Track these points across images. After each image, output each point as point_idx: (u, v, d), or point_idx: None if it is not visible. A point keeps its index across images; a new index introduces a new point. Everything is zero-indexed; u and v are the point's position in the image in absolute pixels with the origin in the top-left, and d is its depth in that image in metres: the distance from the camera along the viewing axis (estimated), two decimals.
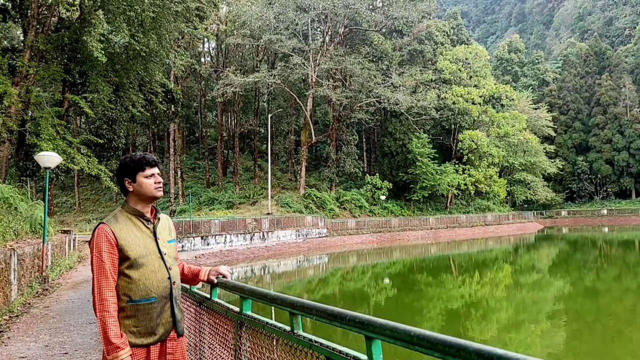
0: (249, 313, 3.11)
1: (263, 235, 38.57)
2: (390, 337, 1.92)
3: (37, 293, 13.09)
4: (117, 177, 2.94)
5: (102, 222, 2.77)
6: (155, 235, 2.88)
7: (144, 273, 2.75)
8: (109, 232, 2.72)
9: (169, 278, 2.86)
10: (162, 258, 2.86)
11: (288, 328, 2.65)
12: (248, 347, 3.07)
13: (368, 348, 2.07)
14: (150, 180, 2.87)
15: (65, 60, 25.89)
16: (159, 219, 2.95)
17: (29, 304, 11.56)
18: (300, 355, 2.50)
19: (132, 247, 2.74)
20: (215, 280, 3.26)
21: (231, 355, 3.25)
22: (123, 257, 2.72)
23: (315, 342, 2.39)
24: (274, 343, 2.81)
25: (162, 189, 2.93)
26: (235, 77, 49.10)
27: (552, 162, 73.30)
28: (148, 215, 2.90)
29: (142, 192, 2.86)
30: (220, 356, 3.44)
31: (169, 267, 2.87)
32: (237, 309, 3.22)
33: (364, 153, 67.22)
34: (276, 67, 52.91)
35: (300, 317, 2.61)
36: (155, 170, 2.91)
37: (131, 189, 2.87)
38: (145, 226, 2.86)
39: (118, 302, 2.70)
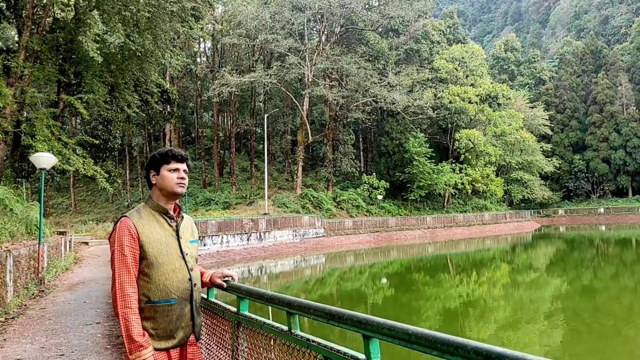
0: (247, 313, 3.09)
1: (260, 235, 38.54)
2: (388, 335, 1.91)
3: (33, 294, 13.04)
4: (145, 171, 2.90)
5: (125, 216, 2.71)
6: (177, 234, 2.82)
7: (164, 272, 2.68)
8: (131, 226, 2.65)
9: (190, 279, 2.80)
10: (184, 258, 2.79)
11: (285, 328, 2.64)
12: (245, 347, 3.05)
13: (366, 347, 2.06)
14: (173, 174, 2.81)
15: (60, 61, 25.78)
16: (182, 217, 2.89)
17: (25, 305, 11.51)
18: (298, 355, 2.48)
19: (153, 244, 2.67)
20: (225, 285, 3.16)
21: (228, 356, 3.23)
22: (143, 255, 2.65)
23: (313, 341, 2.38)
24: (272, 343, 2.79)
25: (184, 185, 2.85)
26: (231, 77, 49.04)
27: (548, 161, 73.41)
28: (172, 212, 2.85)
29: (163, 186, 2.80)
30: (218, 356, 3.41)
31: (190, 268, 2.81)
32: (234, 309, 3.20)
33: (361, 153, 67.19)
34: (272, 67, 52.87)
35: (297, 317, 2.59)
36: (182, 166, 2.85)
37: (154, 182, 2.83)
38: (168, 224, 2.80)
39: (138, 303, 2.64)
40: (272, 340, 2.78)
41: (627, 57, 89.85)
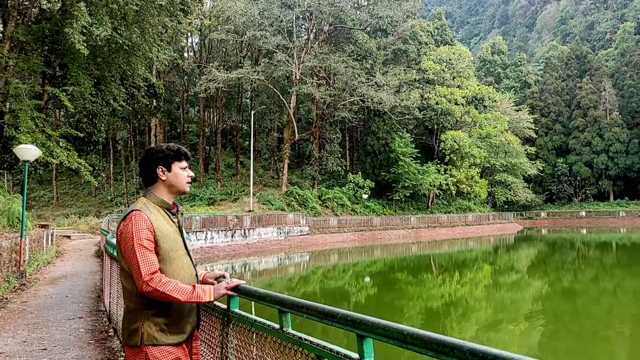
0: (237, 310, 3.07)
1: (244, 232, 38.42)
2: (383, 335, 1.91)
3: (14, 288, 12.89)
4: (147, 164, 2.81)
5: (138, 210, 2.64)
6: (180, 231, 2.83)
7: (175, 268, 2.68)
8: (147, 220, 2.61)
9: (196, 275, 2.84)
10: (189, 254, 2.83)
11: (277, 326, 2.63)
12: (235, 345, 3.04)
13: (359, 346, 2.06)
14: (184, 173, 2.83)
15: (46, 52, 25.45)
16: (182, 214, 2.89)
17: (6, 299, 11.38)
18: (290, 353, 2.48)
19: (166, 240, 2.66)
20: (216, 283, 3.15)
21: (217, 353, 3.21)
22: (157, 250, 2.63)
23: (305, 340, 2.37)
24: (262, 341, 2.78)
25: (191, 185, 2.88)
26: (218, 72, 48.77)
27: (532, 164, 74.03)
28: (173, 209, 2.84)
29: (175, 184, 2.80)
30: (206, 353, 3.40)
31: (195, 264, 2.86)
32: (224, 306, 3.18)
33: (347, 151, 67.22)
34: (260, 64, 52.68)
35: (289, 315, 2.59)
36: (188, 164, 2.88)
37: (164, 178, 2.78)
38: (171, 220, 2.79)
39: (149, 299, 2.61)
40: (262, 338, 2.78)
41: (611, 62, 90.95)
